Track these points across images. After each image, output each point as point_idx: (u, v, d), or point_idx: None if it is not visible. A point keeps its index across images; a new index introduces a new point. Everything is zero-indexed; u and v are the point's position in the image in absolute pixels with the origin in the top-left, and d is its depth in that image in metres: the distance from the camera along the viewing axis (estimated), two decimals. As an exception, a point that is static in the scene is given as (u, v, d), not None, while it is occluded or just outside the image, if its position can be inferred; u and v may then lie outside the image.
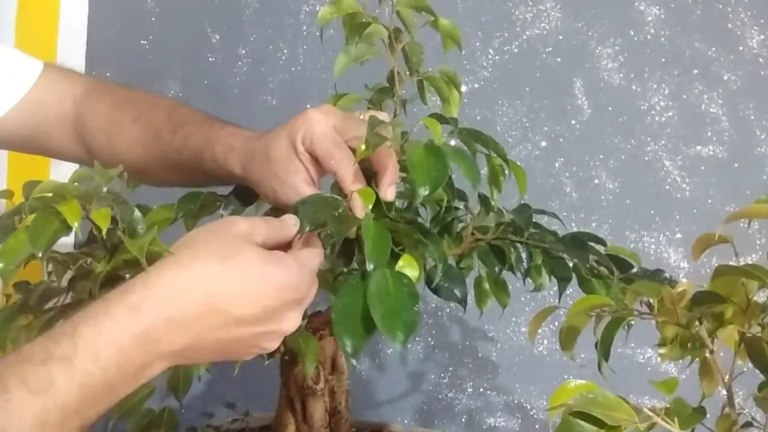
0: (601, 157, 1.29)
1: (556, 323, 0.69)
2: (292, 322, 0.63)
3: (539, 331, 0.75)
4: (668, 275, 0.82)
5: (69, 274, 0.76)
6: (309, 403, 0.88)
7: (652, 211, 1.27)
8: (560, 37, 1.30)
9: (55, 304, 0.80)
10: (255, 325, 0.61)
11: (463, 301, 0.78)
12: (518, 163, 0.84)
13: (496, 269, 0.83)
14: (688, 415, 0.60)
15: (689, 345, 0.63)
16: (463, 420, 1.32)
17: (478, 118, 1.31)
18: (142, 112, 0.89)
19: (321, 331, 0.88)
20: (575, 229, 0.94)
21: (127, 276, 0.67)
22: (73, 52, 1.44)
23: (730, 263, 0.61)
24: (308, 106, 0.74)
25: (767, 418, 0.62)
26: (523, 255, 0.83)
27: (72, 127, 0.93)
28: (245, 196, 0.82)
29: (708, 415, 0.62)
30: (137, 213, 0.71)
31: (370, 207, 0.67)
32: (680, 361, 0.65)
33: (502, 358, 1.31)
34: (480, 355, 1.32)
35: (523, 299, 1.27)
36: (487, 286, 0.92)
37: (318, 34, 0.78)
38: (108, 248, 0.72)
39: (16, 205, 0.69)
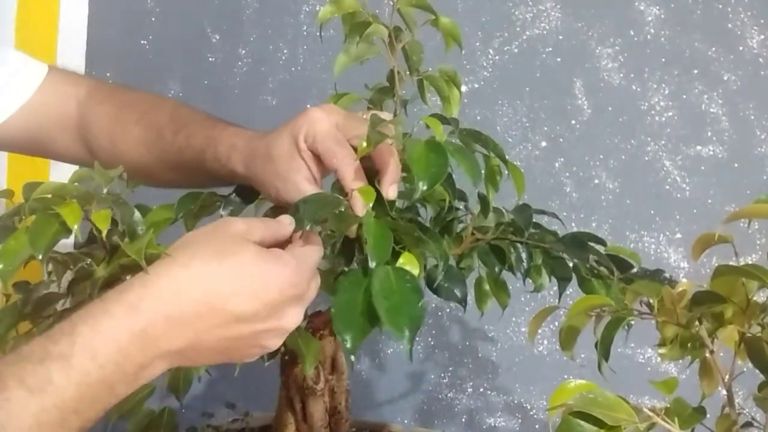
0: (601, 157, 1.29)
1: (556, 323, 0.69)
2: (293, 318, 0.63)
3: (539, 331, 0.75)
4: (668, 275, 0.82)
5: (69, 275, 0.76)
6: (309, 403, 0.89)
7: (652, 211, 1.27)
8: (560, 37, 1.30)
9: (54, 309, 0.80)
10: (255, 322, 0.61)
11: (463, 301, 0.78)
12: (518, 164, 0.84)
13: (496, 269, 0.83)
14: (688, 415, 0.60)
15: (689, 345, 0.63)
16: (463, 420, 1.32)
17: (478, 118, 1.31)
18: (144, 113, 0.90)
19: (321, 331, 0.88)
20: (575, 229, 0.94)
21: (128, 278, 0.66)
22: (73, 52, 1.44)
23: (730, 263, 0.61)
24: (308, 106, 0.74)
25: (767, 418, 0.62)
26: (523, 255, 0.83)
27: (75, 129, 0.93)
28: (246, 195, 0.82)
29: (708, 415, 0.62)
30: (137, 214, 0.71)
31: (371, 205, 0.67)
32: (680, 361, 0.65)
33: (502, 358, 1.31)
34: (480, 355, 1.32)
35: (523, 299, 1.27)
36: (487, 286, 0.92)
37: (318, 33, 0.78)
38: (108, 249, 0.72)
39: (16, 206, 0.69)
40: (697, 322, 0.62)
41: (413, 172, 0.65)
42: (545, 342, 1.28)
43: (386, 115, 0.75)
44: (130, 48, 1.45)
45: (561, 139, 1.30)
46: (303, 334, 0.81)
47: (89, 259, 0.72)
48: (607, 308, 0.65)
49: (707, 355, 0.64)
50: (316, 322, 0.87)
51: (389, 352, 1.33)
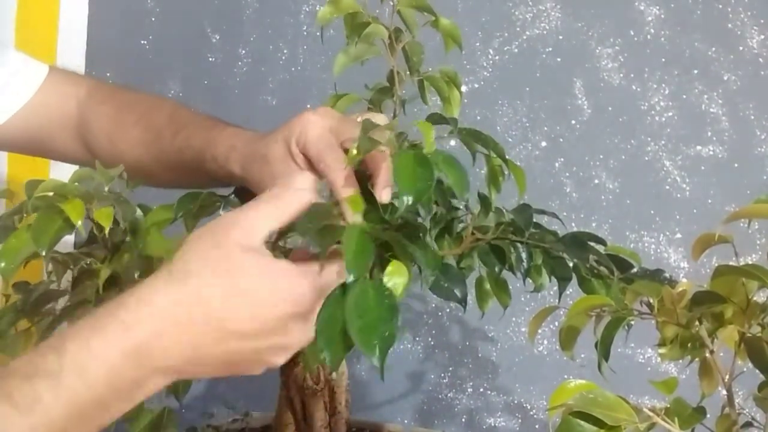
0: (601, 157, 1.29)
1: (556, 323, 0.69)
2: (298, 335, 0.60)
3: (539, 331, 0.75)
4: (668, 275, 0.82)
5: (69, 275, 0.76)
6: (309, 403, 0.89)
7: (652, 211, 1.27)
8: (560, 37, 1.30)
9: (54, 306, 0.80)
10: (256, 340, 0.59)
11: (463, 301, 0.78)
12: (518, 164, 0.84)
13: (496, 269, 0.83)
14: (688, 415, 0.60)
15: (689, 345, 0.63)
16: (463, 420, 1.32)
17: (478, 118, 1.31)
18: (143, 114, 0.90)
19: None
20: (575, 229, 0.94)
21: (136, 275, 0.66)
22: (73, 52, 1.44)
23: (730, 263, 0.61)
24: (308, 106, 0.74)
25: (767, 418, 0.62)
26: (523, 255, 0.83)
27: (75, 130, 0.93)
28: (245, 196, 0.82)
29: (708, 415, 0.62)
30: (139, 212, 0.71)
31: (360, 216, 0.65)
32: (680, 361, 0.65)
33: (502, 358, 1.31)
34: (480, 355, 1.32)
35: (523, 299, 1.27)
36: (488, 286, 0.92)
37: (318, 34, 0.78)
38: (109, 248, 0.72)
39: (17, 205, 0.69)
40: (697, 322, 0.62)
41: (398, 185, 0.63)
42: (545, 342, 1.28)
43: (381, 118, 0.75)
44: (130, 48, 1.45)
45: (561, 139, 1.30)
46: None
47: (89, 259, 0.72)
48: (607, 308, 0.65)
49: (707, 355, 0.64)
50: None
51: (389, 351, 1.33)
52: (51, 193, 0.68)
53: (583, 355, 0.71)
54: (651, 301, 0.64)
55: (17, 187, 0.72)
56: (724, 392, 0.63)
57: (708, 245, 0.63)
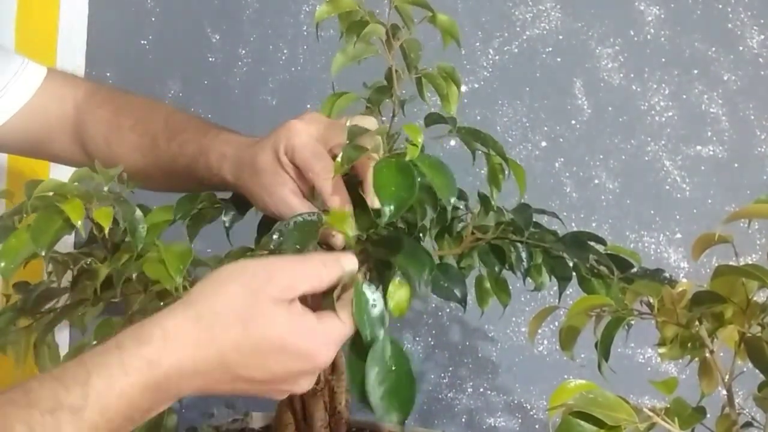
0: (601, 157, 1.29)
1: (556, 323, 0.69)
2: (304, 384, 0.63)
3: (539, 331, 0.75)
4: (668, 275, 0.82)
5: (69, 275, 0.76)
6: (309, 403, 0.88)
7: (652, 211, 1.27)
8: (560, 37, 1.30)
9: (54, 304, 0.80)
10: (264, 385, 0.61)
11: (463, 301, 0.78)
12: (518, 163, 0.84)
13: (496, 269, 0.83)
14: (688, 415, 0.60)
15: (689, 345, 0.63)
16: (463, 420, 1.32)
17: (478, 118, 1.31)
18: (139, 118, 0.90)
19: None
20: (575, 229, 0.94)
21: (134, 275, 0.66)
22: (73, 52, 1.44)
23: (730, 263, 0.61)
24: (308, 106, 0.74)
25: (767, 418, 0.62)
26: (523, 254, 0.83)
27: (73, 132, 0.94)
28: (242, 204, 0.82)
29: (708, 415, 0.62)
30: (138, 212, 0.71)
31: (351, 231, 0.65)
32: (680, 361, 0.65)
33: (502, 358, 1.31)
34: (480, 355, 1.32)
35: (523, 299, 1.27)
36: (488, 285, 0.92)
37: (317, 33, 0.78)
38: (108, 248, 0.72)
39: (17, 205, 0.69)
40: (697, 322, 0.62)
41: (379, 194, 0.63)
42: (545, 342, 1.28)
43: (370, 121, 0.75)
44: (130, 48, 1.45)
45: (561, 139, 1.30)
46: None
47: (89, 259, 0.72)
48: (607, 308, 0.65)
49: (707, 355, 0.64)
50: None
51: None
52: (50, 193, 0.68)
53: (583, 355, 0.71)
54: (651, 301, 0.64)
55: (17, 188, 0.72)
56: (724, 392, 0.63)
57: (708, 245, 0.63)
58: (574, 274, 0.82)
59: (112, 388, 0.55)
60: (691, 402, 0.63)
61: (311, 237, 0.66)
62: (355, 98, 0.84)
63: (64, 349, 0.83)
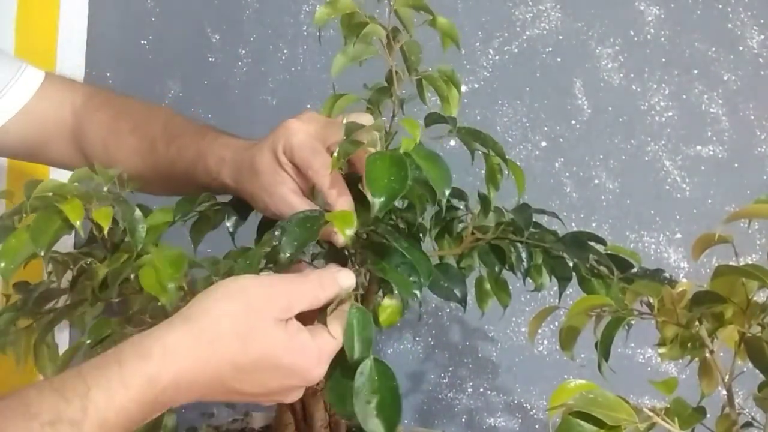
0: (601, 157, 1.29)
1: (556, 323, 0.69)
2: (293, 396, 0.65)
3: (539, 331, 0.75)
4: (668, 275, 0.82)
5: (69, 275, 0.76)
6: (309, 403, 0.88)
7: (652, 211, 1.27)
8: (560, 37, 1.30)
9: (54, 304, 0.80)
10: (256, 397, 0.63)
11: (463, 301, 0.78)
12: (518, 164, 0.84)
13: (496, 269, 0.83)
14: (688, 415, 0.60)
15: (689, 345, 0.63)
16: (463, 420, 1.32)
17: (478, 118, 1.31)
18: (138, 123, 0.90)
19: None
20: (575, 229, 0.94)
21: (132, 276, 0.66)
22: (73, 52, 1.44)
23: (730, 263, 0.61)
24: (308, 106, 0.74)
25: (767, 418, 0.62)
26: (523, 255, 0.83)
27: (71, 136, 0.94)
28: (242, 207, 0.82)
29: (708, 415, 0.62)
30: (138, 212, 0.71)
31: (350, 232, 0.65)
32: (680, 361, 0.65)
33: (502, 358, 1.31)
34: (480, 355, 1.32)
35: (523, 299, 1.27)
36: (488, 286, 0.92)
37: (317, 35, 0.78)
38: (108, 248, 0.72)
39: (16, 205, 0.69)
40: (697, 322, 0.62)
41: (370, 188, 0.63)
42: (545, 342, 1.28)
43: (366, 118, 0.75)
44: (130, 48, 1.44)
45: (561, 139, 1.30)
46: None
47: (89, 259, 0.72)
48: (607, 308, 0.65)
49: (707, 355, 0.64)
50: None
51: (389, 352, 1.33)
52: (50, 194, 0.68)
53: (583, 355, 0.71)
54: (651, 301, 0.64)
55: (17, 188, 0.72)
56: (724, 392, 0.63)
57: (708, 245, 0.63)
58: (574, 274, 0.82)
59: (112, 403, 0.55)
60: (691, 402, 0.63)
61: (312, 233, 0.67)
62: (356, 99, 0.84)
63: (63, 349, 0.83)
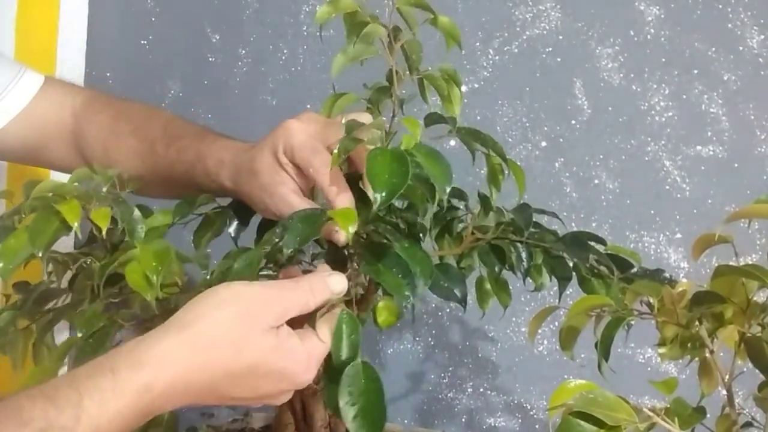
0: (601, 157, 1.29)
1: (556, 323, 0.69)
2: (283, 399, 0.66)
3: (539, 331, 0.75)
4: (668, 275, 0.82)
5: (69, 275, 0.76)
6: (309, 403, 0.88)
7: (652, 211, 1.27)
8: (560, 37, 1.30)
9: (54, 305, 0.80)
10: (247, 401, 0.64)
11: (463, 301, 0.78)
12: (518, 163, 0.84)
13: (496, 269, 0.83)
14: (688, 415, 0.60)
15: (689, 345, 0.63)
16: (463, 420, 1.32)
17: (478, 118, 1.31)
18: (138, 124, 0.90)
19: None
20: (575, 229, 0.94)
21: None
22: (73, 52, 1.44)
23: (730, 263, 0.61)
24: (308, 106, 0.74)
25: (767, 418, 0.62)
26: (523, 254, 0.83)
27: (70, 139, 0.94)
28: (243, 211, 0.82)
29: (708, 415, 0.62)
30: (137, 213, 0.71)
31: (353, 229, 0.65)
32: (680, 361, 0.65)
33: (502, 358, 1.31)
34: (480, 355, 1.32)
35: (523, 299, 1.27)
36: (488, 286, 0.92)
37: (318, 33, 0.78)
38: (108, 248, 0.72)
39: (16, 205, 0.69)
40: (697, 322, 0.62)
41: (371, 183, 0.63)
42: (545, 342, 1.28)
43: (366, 117, 0.75)
44: (130, 48, 1.44)
45: (561, 139, 1.30)
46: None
47: (89, 259, 0.72)
48: (607, 308, 0.65)
49: (707, 355, 0.64)
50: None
51: (389, 352, 1.33)
52: (49, 194, 0.68)
53: (583, 355, 0.71)
54: (651, 301, 0.64)
55: (17, 188, 0.72)
56: (724, 392, 0.63)
57: (708, 245, 0.63)
58: (574, 274, 0.82)
59: (105, 412, 0.55)
60: (691, 402, 0.63)
61: (314, 229, 0.67)
62: (356, 99, 0.84)
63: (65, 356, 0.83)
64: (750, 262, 0.61)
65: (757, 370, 0.62)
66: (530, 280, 0.85)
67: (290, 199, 0.74)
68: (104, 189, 0.71)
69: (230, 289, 0.62)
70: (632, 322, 0.67)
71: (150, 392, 0.57)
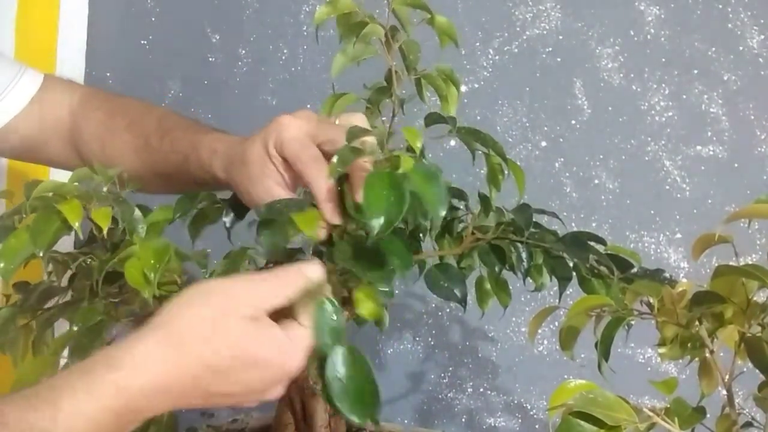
0: (601, 157, 1.29)
1: (556, 323, 0.69)
2: (275, 393, 0.65)
3: (539, 331, 0.75)
4: (668, 275, 0.82)
5: (69, 274, 0.76)
6: (309, 403, 0.88)
7: (652, 211, 1.27)
8: (560, 37, 1.30)
9: (55, 303, 0.80)
10: (239, 397, 0.63)
11: (462, 301, 0.78)
12: (518, 163, 0.84)
13: (497, 269, 0.83)
14: (688, 415, 0.60)
15: (689, 345, 0.63)
16: (463, 420, 1.32)
17: (478, 118, 1.31)
18: (134, 119, 0.91)
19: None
20: (575, 229, 0.94)
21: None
22: (73, 52, 1.44)
23: (730, 263, 0.61)
24: (308, 106, 0.74)
25: (767, 418, 0.62)
26: (524, 255, 0.83)
27: (67, 136, 0.95)
28: (239, 205, 0.82)
29: (708, 415, 0.62)
30: (137, 212, 0.71)
31: (313, 233, 0.66)
32: (680, 361, 0.65)
33: (502, 358, 1.31)
34: (480, 355, 1.32)
35: (523, 299, 1.27)
36: (488, 286, 0.92)
37: (318, 34, 0.78)
38: (108, 248, 0.72)
39: (16, 205, 0.69)
40: (697, 322, 0.62)
41: (367, 209, 0.63)
42: (545, 342, 1.28)
43: (359, 118, 0.76)
44: (130, 48, 1.45)
45: (561, 139, 1.30)
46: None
47: (89, 258, 0.72)
48: (607, 308, 0.65)
49: (707, 355, 0.64)
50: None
51: (389, 352, 1.33)
52: (50, 194, 0.68)
53: (583, 355, 0.71)
54: (651, 301, 0.64)
55: (17, 188, 0.72)
56: (724, 392, 0.63)
57: (708, 245, 0.63)
58: (574, 274, 0.82)
59: (81, 413, 0.55)
60: (691, 402, 0.63)
61: (283, 237, 0.68)
62: (355, 99, 0.84)
63: (64, 351, 0.83)
64: (750, 262, 0.61)
65: (757, 370, 0.62)
66: (530, 280, 0.85)
67: (274, 191, 0.75)
68: (104, 189, 0.71)
69: (201, 286, 0.62)
70: (632, 322, 0.67)
71: (125, 393, 0.56)
